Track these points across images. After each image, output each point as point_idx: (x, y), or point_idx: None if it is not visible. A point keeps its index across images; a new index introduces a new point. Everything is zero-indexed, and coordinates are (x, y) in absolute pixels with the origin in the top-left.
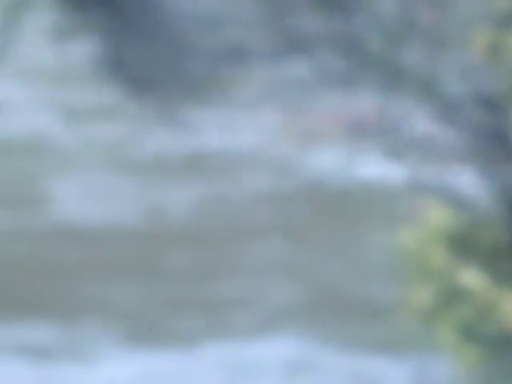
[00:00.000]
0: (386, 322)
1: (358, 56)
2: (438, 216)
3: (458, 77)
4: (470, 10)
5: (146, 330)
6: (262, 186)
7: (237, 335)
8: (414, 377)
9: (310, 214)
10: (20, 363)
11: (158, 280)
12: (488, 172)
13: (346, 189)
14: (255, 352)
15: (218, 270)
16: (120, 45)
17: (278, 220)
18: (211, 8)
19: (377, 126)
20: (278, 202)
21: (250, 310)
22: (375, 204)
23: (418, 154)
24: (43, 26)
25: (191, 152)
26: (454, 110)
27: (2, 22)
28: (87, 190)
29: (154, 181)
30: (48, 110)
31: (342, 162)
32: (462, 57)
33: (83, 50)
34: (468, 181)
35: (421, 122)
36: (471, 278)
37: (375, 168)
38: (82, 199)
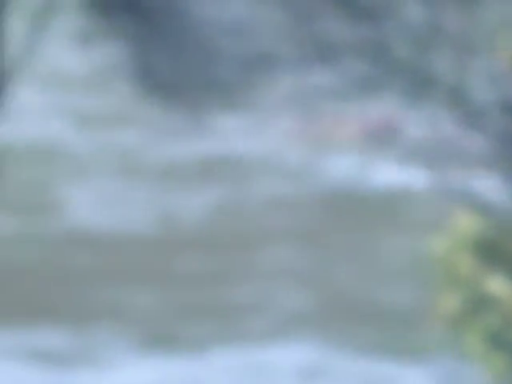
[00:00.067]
0: (403, 329)
1: (386, 63)
2: (464, 222)
3: (484, 83)
4: (496, 17)
5: (159, 336)
6: (276, 192)
7: (250, 340)
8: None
9: (325, 220)
10: (33, 369)
11: (171, 286)
12: None
13: (361, 195)
14: (268, 357)
15: (231, 275)
16: (147, 51)
17: (293, 225)
18: (238, 15)
19: (395, 132)
20: (293, 208)
21: (263, 315)
22: (391, 210)
23: (443, 160)
24: (68, 31)
25: (204, 158)
26: (480, 116)
27: (29, 27)
28: (100, 197)
29: (167, 187)
30: (62, 115)
31: (358, 167)
32: (489, 64)
33: (107, 55)
34: (494, 187)
35: (447, 127)
36: (498, 285)
37: (391, 174)
38: (94, 205)
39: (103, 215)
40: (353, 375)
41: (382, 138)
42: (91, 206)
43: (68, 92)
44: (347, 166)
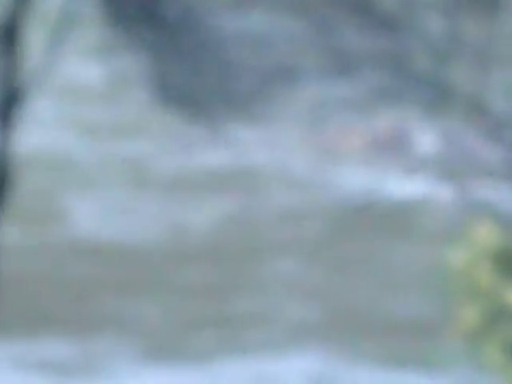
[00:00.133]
0: (419, 340)
1: (405, 74)
2: (483, 234)
3: (503, 95)
4: None
5: (164, 347)
6: (285, 203)
7: (257, 352)
8: None
9: (338, 232)
10: (37, 379)
11: (176, 297)
12: None
13: (370, 207)
14: (274, 368)
15: (238, 287)
16: (165, 62)
17: (303, 237)
18: (257, 27)
19: (406, 143)
20: (303, 219)
21: (271, 326)
22: (402, 221)
23: (461, 171)
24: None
25: (216, 169)
26: (499, 127)
27: (48, 39)
28: (105, 207)
29: (176, 198)
30: (73, 126)
31: (369, 178)
32: (509, 75)
33: (125, 67)
34: None
35: (466, 138)
36: None
37: (402, 185)
38: (99, 216)
39: (108, 226)
40: None
41: (392, 149)
42: (96, 216)
43: (82, 103)
44: (358, 178)
